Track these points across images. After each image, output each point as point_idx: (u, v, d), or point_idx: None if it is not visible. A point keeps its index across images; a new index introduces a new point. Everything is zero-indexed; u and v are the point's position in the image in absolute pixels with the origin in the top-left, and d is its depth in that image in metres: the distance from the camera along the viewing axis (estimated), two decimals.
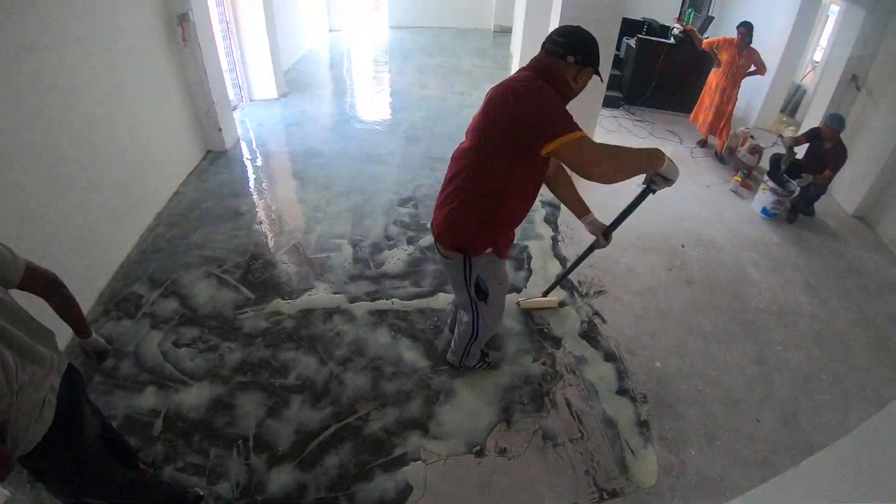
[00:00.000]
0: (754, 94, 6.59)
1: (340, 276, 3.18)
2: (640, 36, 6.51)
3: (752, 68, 5.03)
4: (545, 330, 2.89)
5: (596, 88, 4.58)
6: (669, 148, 5.56)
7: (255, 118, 5.48)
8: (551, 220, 3.96)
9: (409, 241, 3.55)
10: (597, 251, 2.43)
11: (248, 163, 4.59)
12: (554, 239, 3.73)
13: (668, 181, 1.74)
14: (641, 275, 3.43)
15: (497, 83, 1.76)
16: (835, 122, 4.02)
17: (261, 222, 3.68)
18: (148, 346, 2.61)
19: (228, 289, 3.02)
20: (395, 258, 3.37)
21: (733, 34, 5.10)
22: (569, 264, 2.96)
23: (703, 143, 5.72)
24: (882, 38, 4.46)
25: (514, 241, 2.35)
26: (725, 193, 4.74)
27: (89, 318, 2.74)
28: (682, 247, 3.78)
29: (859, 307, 3.37)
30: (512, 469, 2.17)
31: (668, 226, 4.03)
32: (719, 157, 5.44)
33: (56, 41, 2.58)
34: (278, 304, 2.93)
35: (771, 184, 4.23)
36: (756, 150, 4.97)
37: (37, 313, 1.39)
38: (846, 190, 4.66)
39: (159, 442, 2.17)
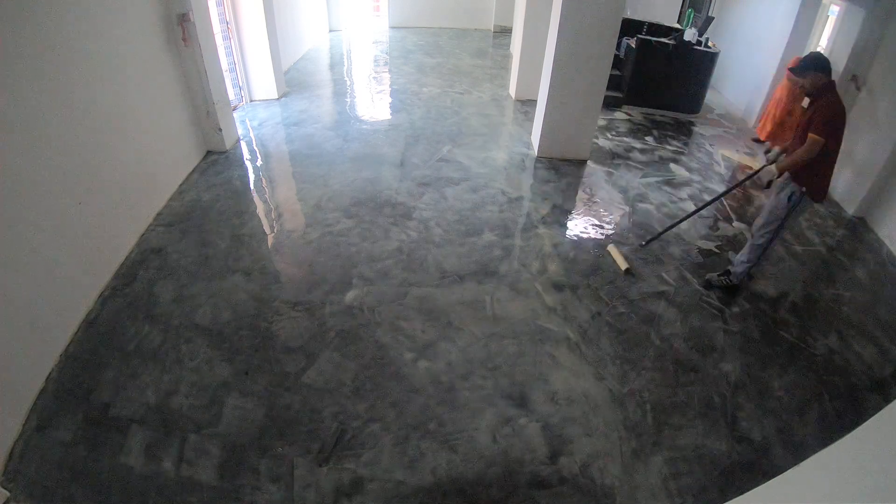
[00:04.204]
0: (755, 95, 6.59)
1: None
2: (640, 36, 6.51)
3: None
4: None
5: (595, 89, 4.63)
6: (672, 147, 5.57)
7: (255, 118, 5.48)
8: (549, 221, 3.96)
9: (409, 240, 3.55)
10: None
11: (248, 163, 4.59)
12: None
13: None
14: (649, 282, 3.43)
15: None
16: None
17: (260, 222, 3.69)
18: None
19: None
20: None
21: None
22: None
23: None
24: (882, 38, 4.46)
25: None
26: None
27: (89, 317, 2.74)
28: (696, 252, 3.78)
29: (859, 307, 3.36)
30: None
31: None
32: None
33: (55, 42, 2.58)
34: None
35: None
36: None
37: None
38: (846, 190, 4.66)
39: None
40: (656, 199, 4.41)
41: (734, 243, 3.88)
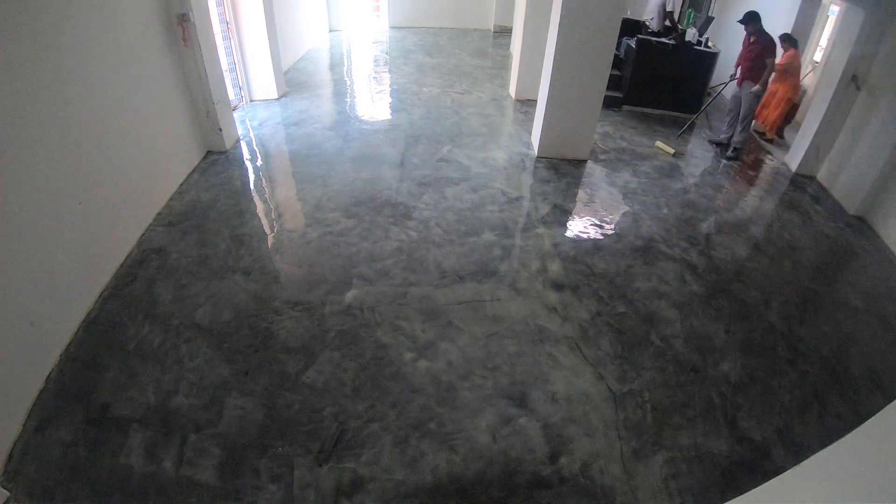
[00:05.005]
0: None
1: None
2: (640, 36, 6.51)
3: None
4: None
5: (595, 89, 4.63)
6: (672, 146, 5.57)
7: (255, 118, 5.48)
8: (549, 221, 3.96)
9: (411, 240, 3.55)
10: None
11: (248, 163, 4.59)
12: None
13: None
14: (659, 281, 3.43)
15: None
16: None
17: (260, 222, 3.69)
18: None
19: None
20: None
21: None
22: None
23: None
24: (882, 38, 4.46)
25: None
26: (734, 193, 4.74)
27: (89, 317, 2.74)
28: (696, 243, 3.78)
29: (859, 308, 3.36)
30: None
31: (667, 222, 4.03)
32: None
33: (56, 42, 2.59)
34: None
35: None
36: None
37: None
38: (846, 190, 4.66)
39: None
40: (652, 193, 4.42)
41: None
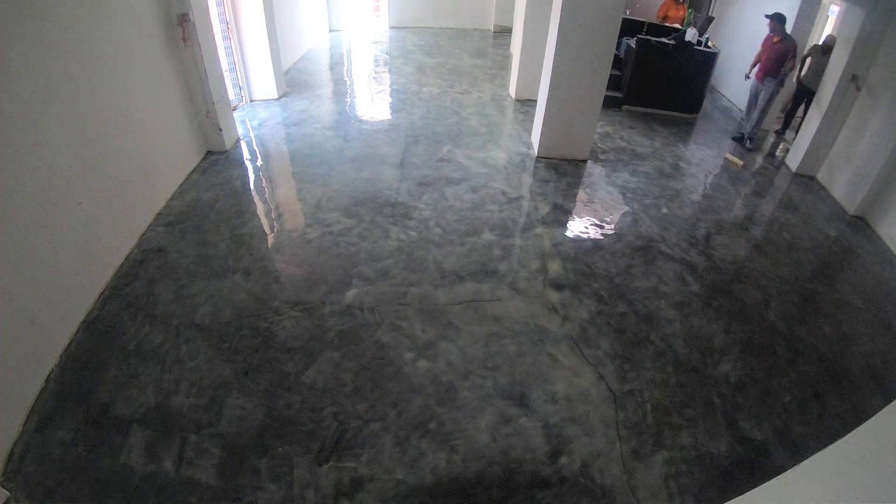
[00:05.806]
0: None
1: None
2: (640, 36, 6.51)
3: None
4: None
5: (595, 89, 4.63)
6: (672, 145, 5.57)
7: (255, 118, 5.47)
8: (549, 221, 3.96)
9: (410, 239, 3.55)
10: None
11: (248, 163, 4.58)
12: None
13: None
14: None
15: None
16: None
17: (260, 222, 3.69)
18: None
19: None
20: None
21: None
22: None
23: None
24: (882, 38, 4.46)
25: None
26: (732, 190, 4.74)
27: (89, 317, 2.74)
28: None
29: (859, 308, 3.36)
30: None
31: (676, 219, 4.04)
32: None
33: (56, 42, 2.58)
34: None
35: None
36: None
37: None
38: (846, 190, 4.66)
39: None
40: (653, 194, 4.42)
41: None
